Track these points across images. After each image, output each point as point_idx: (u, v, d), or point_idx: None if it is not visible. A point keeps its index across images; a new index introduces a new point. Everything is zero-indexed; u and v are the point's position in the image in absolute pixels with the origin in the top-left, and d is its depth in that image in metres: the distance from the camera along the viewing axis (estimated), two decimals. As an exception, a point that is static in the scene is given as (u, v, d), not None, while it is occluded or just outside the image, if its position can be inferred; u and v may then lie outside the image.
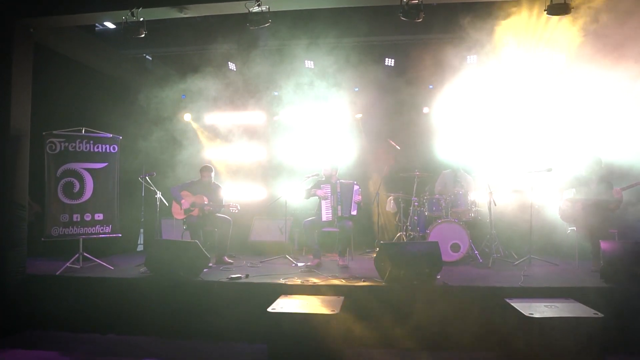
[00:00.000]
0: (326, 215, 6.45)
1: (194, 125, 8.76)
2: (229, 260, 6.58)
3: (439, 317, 4.78)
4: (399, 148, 7.53)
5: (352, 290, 5.05)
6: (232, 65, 8.50)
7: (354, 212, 6.40)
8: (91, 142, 6.13)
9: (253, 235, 7.91)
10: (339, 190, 6.47)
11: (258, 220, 8.00)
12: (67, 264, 5.82)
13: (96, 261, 6.11)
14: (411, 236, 7.17)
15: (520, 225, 7.42)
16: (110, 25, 8.74)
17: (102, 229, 6.20)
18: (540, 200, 6.97)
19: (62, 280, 5.55)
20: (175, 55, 8.82)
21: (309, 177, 6.66)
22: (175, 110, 8.59)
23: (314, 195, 6.58)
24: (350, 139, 8.21)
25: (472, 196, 7.13)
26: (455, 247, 6.63)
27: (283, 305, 4.39)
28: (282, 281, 5.24)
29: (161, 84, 8.17)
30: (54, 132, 5.94)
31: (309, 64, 8.33)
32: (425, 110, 8.27)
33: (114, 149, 6.29)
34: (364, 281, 5.25)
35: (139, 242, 8.93)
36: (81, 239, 6.06)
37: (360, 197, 6.43)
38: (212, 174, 6.80)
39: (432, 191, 7.40)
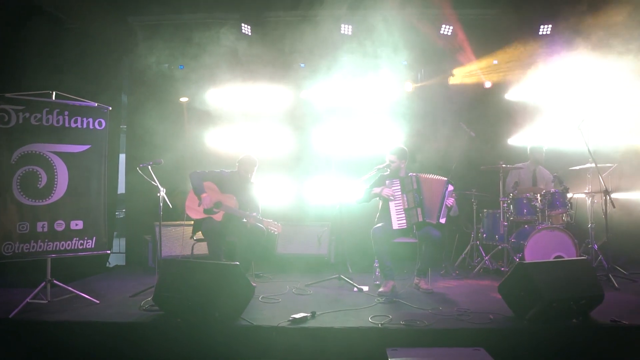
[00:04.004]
0: (398, 221, 4.68)
1: (195, 105, 6.79)
2: (252, 284, 4.72)
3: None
4: (473, 134, 5.85)
5: (484, 335, 3.32)
6: (246, 29, 6.60)
7: (442, 220, 4.65)
8: (66, 112, 4.06)
9: (281, 246, 6.04)
10: (415, 186, 4.71)
11: (286, 227, 6.10)
12: (28, 299, 3.79)
13: (73, 292, 4.08)
14: (500, 247, 5.50)
15: (617, 230, 6.01)
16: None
17: (82, 244, 4.15)
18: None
19: (21, 326, 3.51)
20: (175, 20, 6.80)
21: (379, 168, 4.85)
22: (172, 85, 6.65)
23: (377, 195, 4.82)
24: (402, 122, 6.47)
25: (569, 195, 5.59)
26: (559, 261, 5.03)
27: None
28: (375, 323, 3.43)
29: (156, 51, 6.23)
30: (7, 95, 3.86)
31: (345, 29, 6.56)
32: (487, 84, 6.66)
33: (100, 124, 4.24)
34: (492, 317, 3.54)
35: (111, 250, 6.76)
36: (49, 260, 4.02)
37: (453, 200, 4.71)
38: (255, 170, 4.98)
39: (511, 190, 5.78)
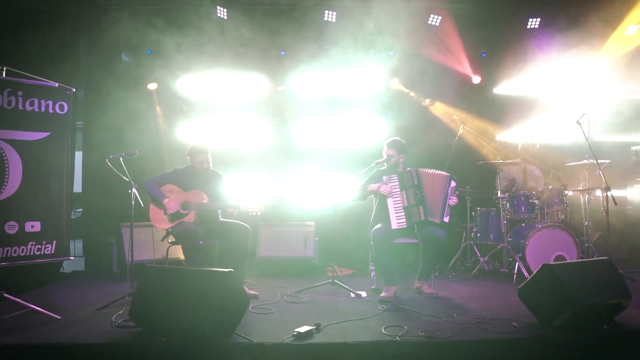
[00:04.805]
0: (397, 220, 4.30)
1: (165, 94, 6.18)
2: (253, 292, 4.21)
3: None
4: (467, 129, 5.57)
5: (514, 346, 2.98)
6: (221, 12, 6.05)
7: (446, 219, 4.30)
8: (19, 93, 3.41)
9: (262, 249, 5.53)
10: (415, 182, 4.34)
11: (266, 227, 5.63)
12: (-29, 317, 3.14)
13: (27, 306, 3.44)
14: (499, 247, 5.22)
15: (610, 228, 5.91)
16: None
17: (40, 249, 3.50)
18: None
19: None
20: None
21: (378, 162, 4.46)
22: (139, 72, 6.01)
23: (373, 192, 4.42)
24: (391, 116, 6.12)
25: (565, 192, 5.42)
26: (560, 261, 4.82)
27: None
28: (392, 335, 3.01)
29: (120, 34, 5.56)
30: (-55, 70, 3.20)
31: (329, 15, 6.14)
32: (476, 80, 6.40)
33: (61, 108, 3.60)
34: (516, 325, 3.21)
35: (69, 256, 6.03)
36: (-2, 269, 3.38)
37: (456, 199, 4.39)
38: (209, 157, 4.37)
39: (507, 187, 5.54)
